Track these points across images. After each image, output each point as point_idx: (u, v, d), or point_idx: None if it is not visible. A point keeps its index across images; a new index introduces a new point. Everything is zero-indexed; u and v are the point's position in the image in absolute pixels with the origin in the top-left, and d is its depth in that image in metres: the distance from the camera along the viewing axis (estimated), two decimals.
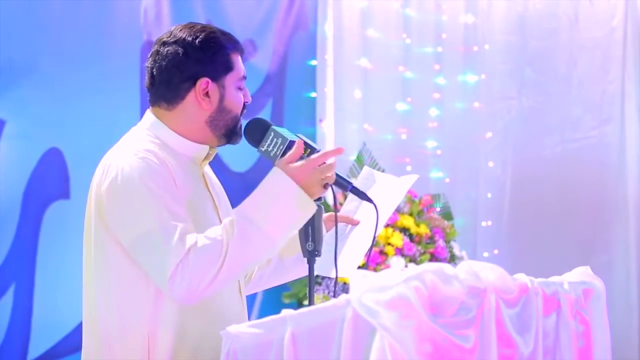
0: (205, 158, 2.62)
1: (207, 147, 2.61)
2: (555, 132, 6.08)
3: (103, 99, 4.75)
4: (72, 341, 4.50)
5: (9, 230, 4.53)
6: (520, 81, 6.11)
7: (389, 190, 2.58)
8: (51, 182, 4.64)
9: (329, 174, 2.39)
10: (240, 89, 2.60)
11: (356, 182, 2.57)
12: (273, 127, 2.51)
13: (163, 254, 2.33)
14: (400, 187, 2.60)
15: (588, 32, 6.06)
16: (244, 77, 2.61)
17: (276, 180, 2.37)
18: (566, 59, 6.08)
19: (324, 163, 2.39)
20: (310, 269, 2.43)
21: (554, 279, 2.31)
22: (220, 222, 2.51)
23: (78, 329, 4.52)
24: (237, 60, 2.60)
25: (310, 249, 2.43)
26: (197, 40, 2.55)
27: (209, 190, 2.60)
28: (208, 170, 2.67)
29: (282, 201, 2.35)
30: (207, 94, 2.55)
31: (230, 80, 2.58)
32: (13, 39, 4.54)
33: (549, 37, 6.09)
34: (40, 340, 4.54)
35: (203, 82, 2.53)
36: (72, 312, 4.50)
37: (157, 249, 2.34)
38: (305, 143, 2.49)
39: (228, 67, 2.58)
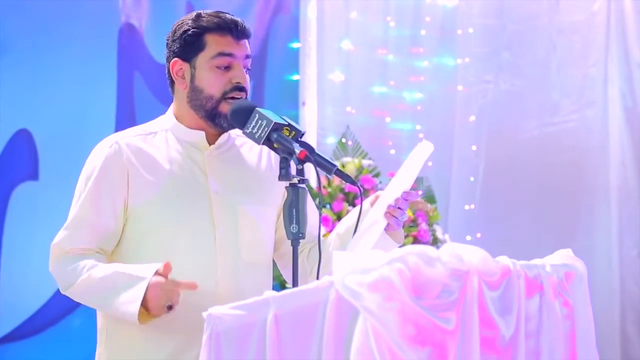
0: (214, 144, 2.68)
1: (202, 132, 2.67)
2: (534, 115, 6.07)
3: (77, 82, 4.70)
4: (37, 322, 4.51)
5: None
6: (497, 65, 6.11)
7: (413, 160, 2.57)
8: (20, 163, 4.62)
9: (174, 299, 2.49)
10: (220, 67, 2.62)
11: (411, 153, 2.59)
12: (257, 109, 2.53)
13: (60, 236, 2.64)
14: (419, 156, 2.58)
15: (568, 16, 6.06)
16: (226, 55, 2.63)
17: (138, 281, 2.50)
18: (546, 42, 6.08)
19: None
20: (295, 252, 2.43)
21: (536, 261, 2.31)
22: (207, 208, 2.62)
23: (43, 309, 4.55)
24: (214, 39, 2.64)
25: (294, 231, 2.43)
26: (174, 25, 2.70)
27: (205, 175, 2.64)
28: (223, 156, 2.70)
29: (122, 297, 2.51)
30: (183, 75, 2.65)
31: (202, 59, 2.64)
32: None
33: (529, 21, 6.09)
34: (5, 321, 4.53)
35: (173, 63, 2.67)
36: (37, 293, 4.50)
37: (63, 228, 2.65)
38: (290, 125, 2.52)
39: (199, 47, 2.64)
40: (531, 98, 6.07)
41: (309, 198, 2.58)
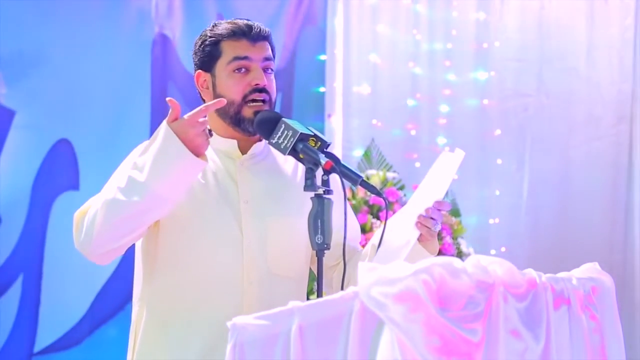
0: (247, 154, 2.68)
1: (234, 141, 2.67)
2: (569, 131, 6.04)
3: (113, 91, 4.76)
4: (79, 333, 4.52)
5: (18, 220, 4.55)
6: (536, 78, 6.08)
7: (442, 170, 2.55)
8: (60, 173, 4.65)
9: (202, 122, 2.45)
10: (238, 71, 2.62)
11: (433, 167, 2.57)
12: (284, 119, 2.52)
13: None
14: (450, 164, 2.56)
15: (604, 30, 6.04)
16: (242, 58, 2.62)
17: (164, 137, 2.43)
18: (583, 57, 6.05)
19: (204, 117, 2.46)
20: (320, 262, 2.42)
21: (562, 274, 2.29)
22: (235, 217, 2.61)
23: (84, 320, 4.56)
24: (229, 45, 2.65)
25: (319, 242, 2.42)
26: (196, 39, 2.73)
27: (236, 185, 2.63)
28: (256, 166, 2.69)
29: (167, 156, 2.42)
30: (207, 86, 2.68)
31: (220, 66, 2.65)
32: (24, 30, 4.55)
33: (564, 35, 6.06)
34: (48, 331, 4.54)
35: (197, 75, 2.70)
36: (79, 304, 4.51)
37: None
38: (316, 136, 2.51)
39: (216, 56, 2.66)
40: (571, 112, 6.04)
41: (348, 208, 2.57)
